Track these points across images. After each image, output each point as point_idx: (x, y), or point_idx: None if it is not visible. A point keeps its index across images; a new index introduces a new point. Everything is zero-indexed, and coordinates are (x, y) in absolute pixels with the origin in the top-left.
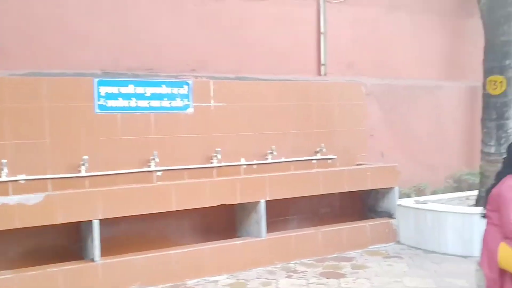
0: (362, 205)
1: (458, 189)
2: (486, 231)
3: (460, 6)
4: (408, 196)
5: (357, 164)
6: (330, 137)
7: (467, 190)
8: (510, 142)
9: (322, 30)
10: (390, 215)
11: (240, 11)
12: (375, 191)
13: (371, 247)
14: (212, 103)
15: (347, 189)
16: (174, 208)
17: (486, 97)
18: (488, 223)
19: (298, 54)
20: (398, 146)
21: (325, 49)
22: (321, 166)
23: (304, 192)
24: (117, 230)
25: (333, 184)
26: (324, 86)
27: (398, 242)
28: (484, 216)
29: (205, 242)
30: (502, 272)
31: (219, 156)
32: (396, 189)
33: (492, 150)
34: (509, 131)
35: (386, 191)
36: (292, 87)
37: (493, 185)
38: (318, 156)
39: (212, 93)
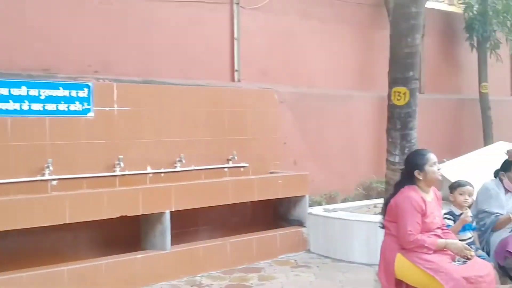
0: (274, 213)
1: (367, 196)
2: (383, 241)
3: (373, 18)
4: (320, 204)
5: (270, 172)
6: (242, 144)
7: (376, 198)
8: (411, 154)
9: (235, 35)
10: (301, 224)
11: (149, 11)
12: (287, 200)
13: (281, 256)
14: (115, 107)
15: (257, 198)
16: (68, 220)
17: (391, 107)
18: (386, 234)
19: (210, 59)
20: (311, 154)
21: (239, 55)
22: (234, 174)
23: (212, 202)
24: (2, 244)
25: (242, 193)
26: (237, 93)
27: (309, 251)
28: (383, 226)
29: (106, 256)
30: (399, 283)
31: (122, 164)
32: (307, 198)
33: (397, 159)
34: (412, 141)
35: (297, 200)
36: (203, 92)
37: (392, 195)
38: (230, 164)
39: (115, 97)
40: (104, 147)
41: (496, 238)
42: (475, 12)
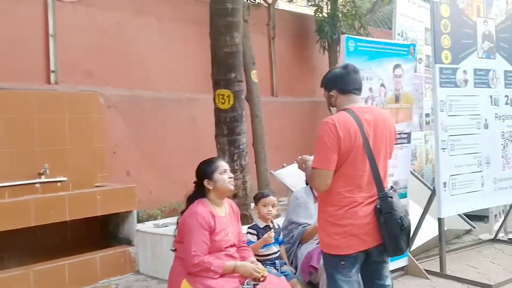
0: (103, 232)
1: None
2: (172, 266)
3: None
4: (156, 218)
5: (96, 186)
6: (58, 156)
7: None
8: (201, 163)
9: (51, 32)
10: (129, 242)
11: None
12: (116, 216)
13: (102, 282)
14: None
15: (69, 217)
16: None
17: (217, 111)
18: (175, 256)
19: (21, 59)
20: (148, 164)
21: (56, 54)
22: (49, 190)
23: (9, 225)
24: None
25: (49, 212)
26: (52, 96)
27: (138, 272)
28: (175, 248)
29: None
30: None
31: None
32: (135, 213)
33: None
34: (241, 146)
35: (125, 215)
36: (8, 97)
37: (182, 212)
38: (43, 179)
39: None
40: None
41: (304, 250)
42: (325, 14)
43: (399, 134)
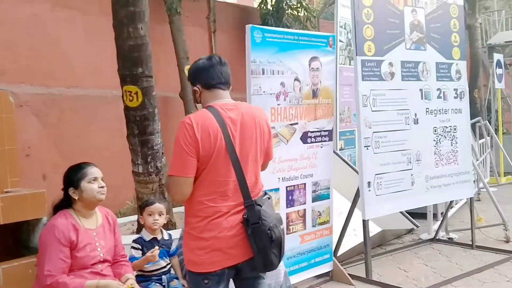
0: (15, 241)
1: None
2: (32, 286)
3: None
4: None
5: (6, 192)
6: None
7: None
8: (68, 168)
9: None
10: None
11: None
12: (26, 223)
13: None
14: None
15: None
16: None
17: (126, 110)
18: (36, 276)
19: None
20: (68, 166)
21: None
22: None
23: None
24: None
25: None
26: None
27: None
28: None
29: None
30: None
31: None
32: (44, 220)
33: (140, 169)
34: (156, 147)
35: (35, 223)
36: None
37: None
38: None
39: None
40: None
41: None
42: (270, 7)
43: (318, 131)
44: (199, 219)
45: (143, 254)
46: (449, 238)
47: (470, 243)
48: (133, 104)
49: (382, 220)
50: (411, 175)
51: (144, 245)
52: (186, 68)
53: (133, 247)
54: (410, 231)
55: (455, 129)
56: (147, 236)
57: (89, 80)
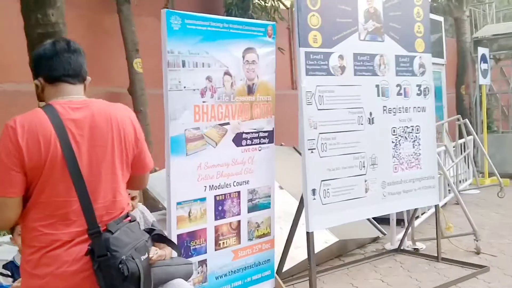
0: None
1: None
2: None
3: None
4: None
5: None
6: None
7: None
8: None
9: None
10: None
11: None
12: None
13: None
14: None
15: None
16: None
17: None
18: None
19: None
20: None
21: None
22: None
23: None
24: None
25: None
26: None
27: None
28: None
29: None
30: None
31: None
32: None
33: None
34: None
35: None
36: None
37: None
38: None
39: None
40: None
41: None
42: None
43: (255, 132)
44: (33, 250)
45: (15, 281)
46: (414, 249)
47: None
48: None
49: (341, 228)
50: (365, 181)
51: (15, 272)
52: (136, 62)
53: (1, 274)
54: (375, 239)
55: (417, 130)
56: (19, 260)
57: (26, 75)
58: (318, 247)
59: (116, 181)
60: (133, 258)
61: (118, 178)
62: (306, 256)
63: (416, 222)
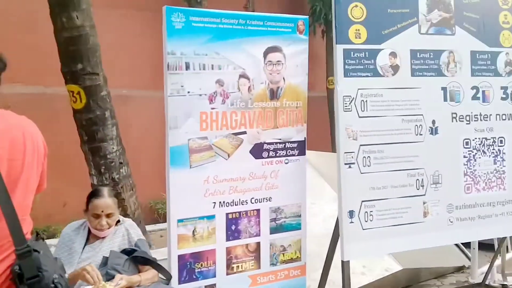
0: None
1: None
2: None
3: None
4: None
5: None
6: None
7: None
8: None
9: None
10: None
11: None
12: None
13: None
14: None
15: None
16: None
17: (74, 113)
18: None
19: None
20: None
21: None
22: None
23: None
24: None
25: None
26: None
27: None
28: None
29: None
30: None
31: None
32: None
33: (95, 181)
34: (109, 156)
35: None
36: None
37: None
38: None
39: None
40: None
41: None
42: None
43: (280, 143)
44: None
45: None
46: (503, 285)
47: None
48: (77, 106)
49: (412, 254)
50: (424, 203)
51: None
52: None
53: None
54: (460, 268)
55: (501, 142)
56: None
57: None
58: (375, 275)
59: (29, 198)
60: (62, 277)
61: (30, 195)
62: (360, 283)
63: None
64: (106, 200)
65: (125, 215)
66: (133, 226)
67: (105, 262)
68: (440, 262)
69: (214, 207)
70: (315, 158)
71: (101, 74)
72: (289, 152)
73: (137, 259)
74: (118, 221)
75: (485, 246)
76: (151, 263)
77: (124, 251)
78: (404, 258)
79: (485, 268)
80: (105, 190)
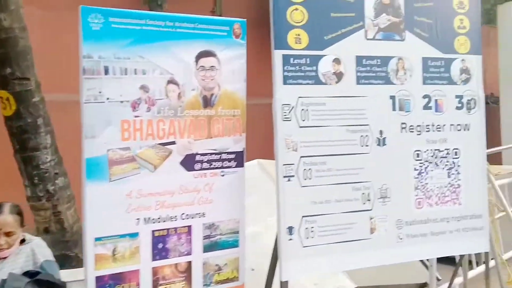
0: None
1: None
2: None
3: None
4: None
5: None
6: None
7: None
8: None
9: None
10: None
11: None
12: None
13: None
14: None
15: None
16: None
17: (5, 120)
18: None
19: None
20: None
21: None
22: None
23: None
24: None
25: None
26: None
27: None
28: None
29: None
30: None
31: None
32: None
33: (29, 192)
34: (43, 166)
35: None
36: None
37: None
38: None
39: None
40: None
41: None
42: None
43: (215, 153)
44: None
45: None
46: None
47: None
48: (7, 112)
49: (369, 271)
50: (370, 218)
51: None
52: None
53: None
54: (423, 286)
55: (456, 154)
56: None
57: None
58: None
59: None
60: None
61: None
62: None
63: (474, 272)
64: (6, 218)
65: (62, 228)
66: (41, 246)
67: (2, 285)
68: (400, 279)
69: (138, 224)
70: (272, 166)
71: (33, 79)
72: (225, 164)
73: (40, 282)
74: (24, 240)
75: (450, 260)
76: (57, 287)
77: (27, 274)
78: (359, 275)
79: (445, 286)
80: (6, 206)
